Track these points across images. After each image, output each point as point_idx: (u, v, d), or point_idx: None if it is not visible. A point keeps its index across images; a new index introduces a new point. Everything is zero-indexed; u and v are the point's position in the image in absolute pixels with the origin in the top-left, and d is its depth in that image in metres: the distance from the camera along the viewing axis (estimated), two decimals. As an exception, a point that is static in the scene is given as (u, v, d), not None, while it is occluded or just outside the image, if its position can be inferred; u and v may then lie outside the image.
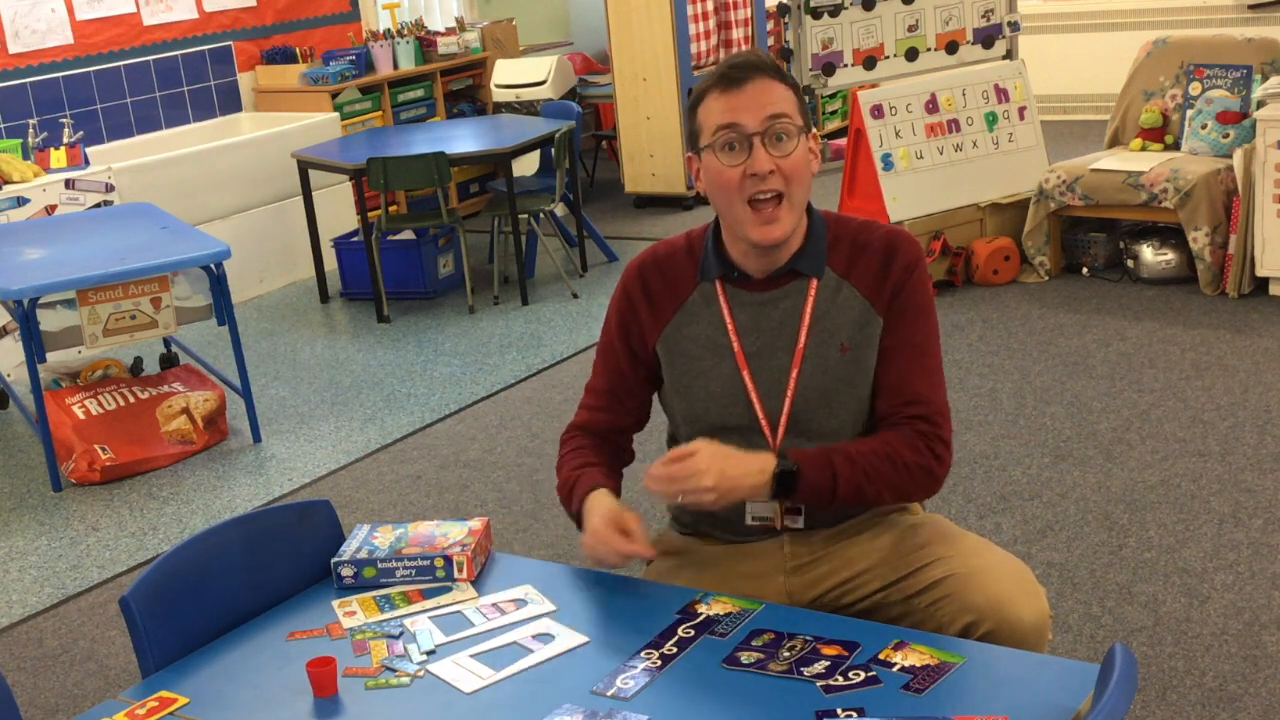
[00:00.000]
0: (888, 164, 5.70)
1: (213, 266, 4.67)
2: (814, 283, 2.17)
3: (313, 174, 6.51)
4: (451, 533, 2.25)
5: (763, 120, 2.07)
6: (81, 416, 4.76)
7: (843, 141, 6.54)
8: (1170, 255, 5.51)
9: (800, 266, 2.17)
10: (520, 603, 2.09)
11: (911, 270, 2.16)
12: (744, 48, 7.92)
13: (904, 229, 2.26)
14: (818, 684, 1.78)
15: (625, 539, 2.09)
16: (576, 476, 2.24)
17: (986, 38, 6.02)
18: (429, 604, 2.12)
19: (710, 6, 7.73)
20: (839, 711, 1.71)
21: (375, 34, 7.96)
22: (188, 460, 4.79)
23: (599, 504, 2.16)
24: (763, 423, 2.16)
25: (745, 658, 1.86)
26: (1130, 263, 5.62)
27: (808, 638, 1.89)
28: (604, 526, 2.11)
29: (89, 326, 4.53)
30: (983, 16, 6.00)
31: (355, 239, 6.57)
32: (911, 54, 5.90)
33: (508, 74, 8.14)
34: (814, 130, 2.17)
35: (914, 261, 2.17)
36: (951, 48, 5.97)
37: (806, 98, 5.78)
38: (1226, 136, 5.47)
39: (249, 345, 5.75)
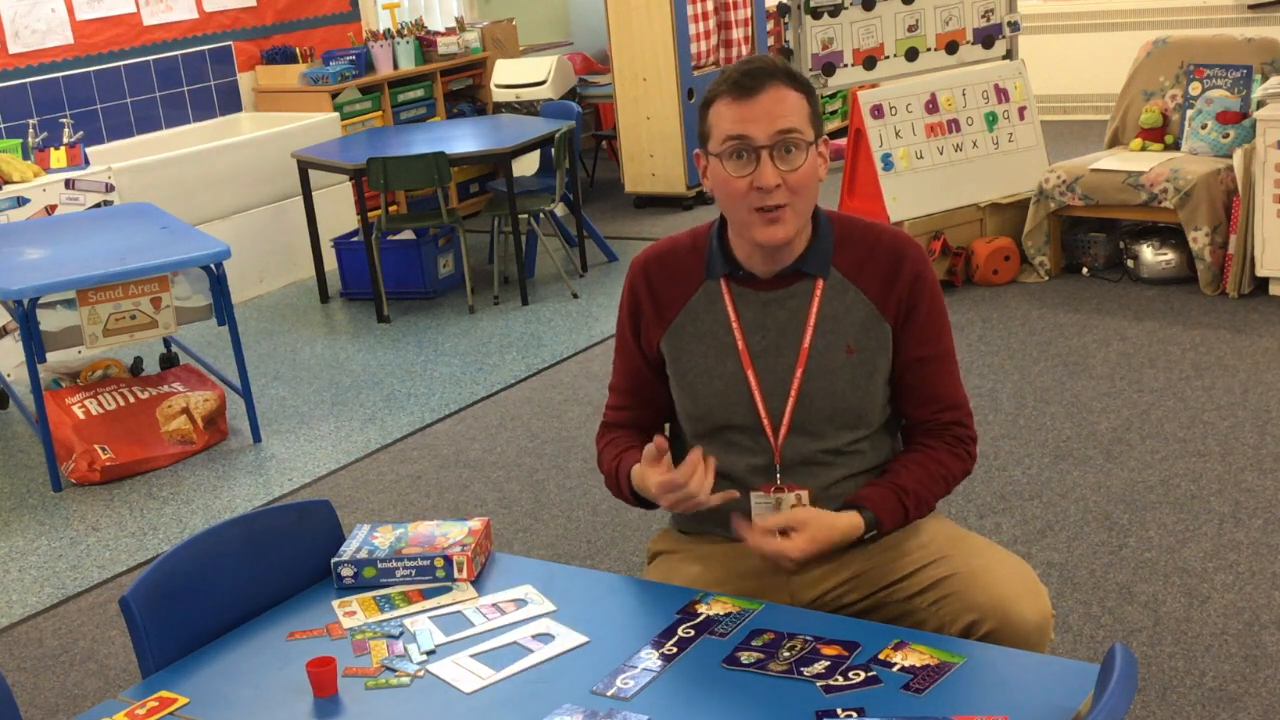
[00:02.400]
0: (888, 164, 5.70)
1: (213, 266, 4.67)
2: (820, 283, 2.17)
3: (313, 174, 6.51)
4: (451, 533, 2.25)
5: (772, 135, 2.06)
6: (81, 416, 4.76)
7: (843, 141, 6.54)
8: (1170, 255, 5.51)
9: (806, 266, 2.17)
10: (520, 603, 2.09)
11: (922, 281, 2.17)
12: (744, 48, 7.92)
13: (907, 233, 2.26)
14: (818, 684, 1.78)
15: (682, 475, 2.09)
16: (617, 464, 2.27)
17: (986, 38, 6.02)
18: (429, 604, 2.12)
19: (710, 6, 7.72)
20: (839, 711, 1.71)
21: (375, 34, 7.97)
22: (188, 460, 4.79)
23: (644, 475, 2.17)
24: (765, 422, 2.16)
25: (745, 658, 1.86)
26: (1130, 263, 5.62)
27: (808, 638, 1.89)
28: (664, 479, 2.09)
29: (89, 326, 4.53)
30: (983, 16, 6.00)
31: (355, 239, 6.57)
32: (911, 54, 5.90)
33: (508, 74, 8.14)
34: (824, 136, 2.16)
35: (922, 270, 2.18)
36: (951, 48, 5.97)
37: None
38: (1226, 136, 5.47)
39: (249, 345, 5.75)
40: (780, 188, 2.07)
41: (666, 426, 2.39)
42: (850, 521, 2.10)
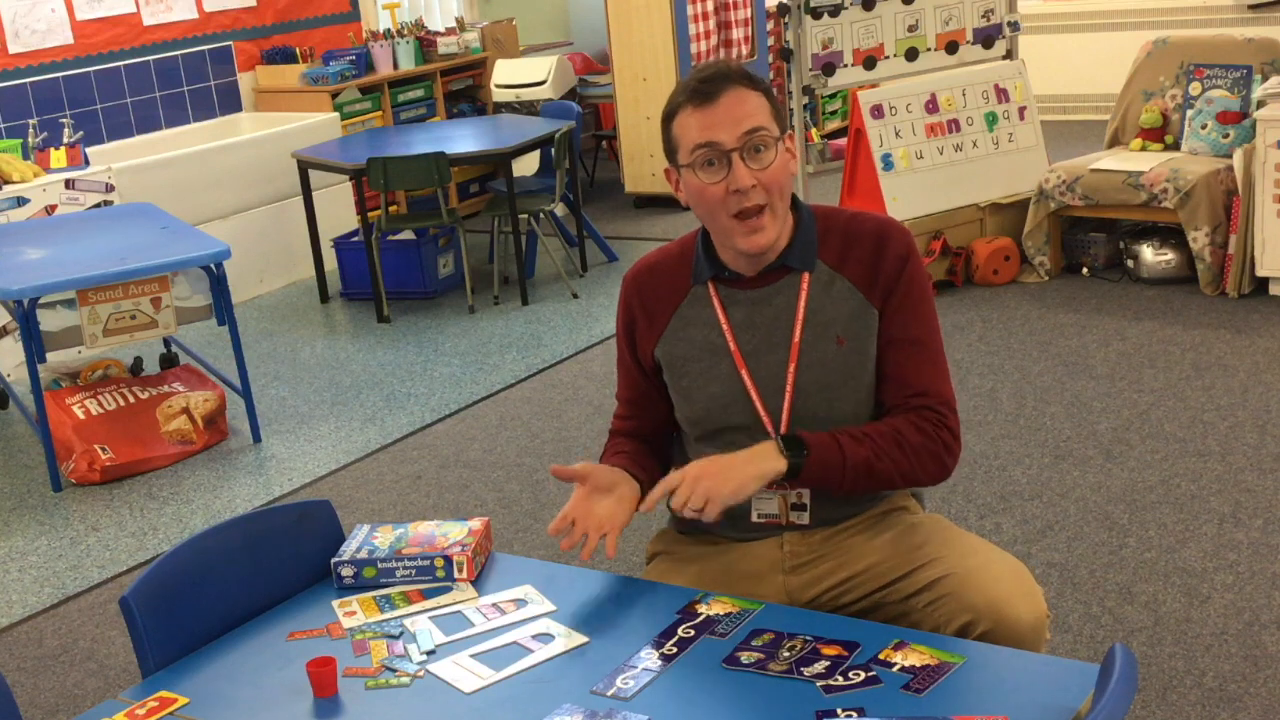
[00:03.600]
0: (888, 164, 5.70)
1: (213, 266, 4.67)
2: (806, 276, 2.17)
3: (313, 174, 6.51)
4: (451, 533, 2.25)
5: (739, 136, 2.07)
6: (81, 416, 4.76)
7: (843, 141, 6.54)
8: (1170, 255, 5.51)
9: (791, 261, 2.17)
10: (520, 603, 2.09)
11: (905, 261, 2.16)
12: (744, 48, 7.93)
13: (894, 219, 2.25)
14: (818, 684, 1.78)
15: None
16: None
17: (986, 38, 6.02)
18: (429, 604, 2.12)
19: (710, 6, 7.72)
20: (839, 711, 1.71)
21: (375, 34, 7.96)
22: (188, 460, 4.78)
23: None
24: (765, 421, 2.16)
25: (745, 658, 1.86)
26: (1130, 263, 5.62)
27: (808, 638, 1.89)
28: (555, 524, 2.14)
29: (89, 326, 4.53)
30: (983, 16, 6.00)
31: (355, 239, 6.57)
32: (911, 54, 5.90)
33: (508, 74, 8.14)
34: (790, 130, 2.17)
35: (906, 252, 2.17)
36: (951, 48, 5.97)
37: (805, 98, 5.82)
38: (1226, 136, 5.47)
39: (249, 345, 5.75)
40: (756, 188, 2.07)
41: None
42: (760, 453, 2.07)
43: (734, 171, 2.07)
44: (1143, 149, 5.73)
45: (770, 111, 2.11)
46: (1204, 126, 5.54)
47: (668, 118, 2.14)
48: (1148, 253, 5.56)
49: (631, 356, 2.30)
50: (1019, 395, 4.55)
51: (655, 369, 2.27)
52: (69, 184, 5.86)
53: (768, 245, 2.12)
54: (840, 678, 1.78)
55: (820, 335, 2.15)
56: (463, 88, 8.31)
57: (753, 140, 2.07)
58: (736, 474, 2.05)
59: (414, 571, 2.18)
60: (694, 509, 2.03)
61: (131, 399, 4.91)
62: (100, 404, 4.84)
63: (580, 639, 1.96)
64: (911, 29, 5.89)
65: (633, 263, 2.35)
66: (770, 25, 8.38)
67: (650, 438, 2.35)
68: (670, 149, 2.16)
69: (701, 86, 2.09)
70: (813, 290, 2.16)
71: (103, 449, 4.65)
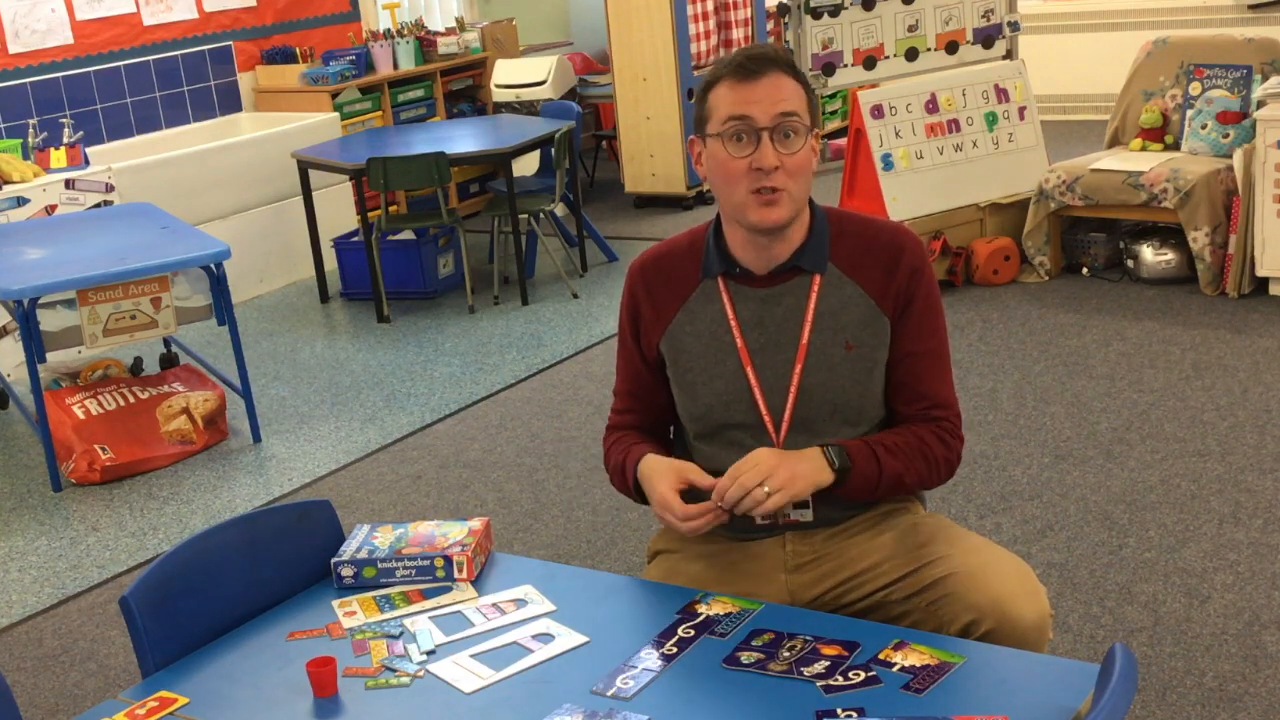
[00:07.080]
0: (888, 164, 5.70)
1: (213, 266, 4.67)
2: (817, 278, 2.17)
3: (313, 174, 6.51)
4: (451, 533, 2.25)
5: (774, 116, 2.07)
6: (81, 416, 4.76)
7: (843, 141, 6.54)
8: (1170, 255, 5.51)
9: (803, 262, 2.17)
10: (520, 603, 2.09)
11: (920, 274, 2.17)
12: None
13: (906, 226, 2.26)
14: (818, 684, 1.78)
15: (684, 504, 2.09)
16: (624, 457, 2.26)
17: (986, 38, 6.02)
18: (429, 604, 2.12)
19: (710, 6, 7.73)
20: (839, 711, 1.71)
21: (375, 34, 7.97)
22: (188, 460, 4.79)
23: (653, 466, 2.16)
24: (766, 420, 2.16)
25: (745, 658, 1.86)
26: (1130, 263, 5.62)
27: (808, 638, 1.89)
28: (667, 492, 2.11)
29: (89, 326, 4.53)
30: (983, 16, 6.00)
31: (355, 239, 6.58)
32: (911, 54, 5.90)
33: (508, 74, 8.14)
34: (818, 131, 2.17)
35: (920, 264, 2.18)
36: (951, 48, 5.97)
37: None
38: (1226, 136, 5.47)
39: (249, 345, 5.75)
40: (779, 170, 2.08)
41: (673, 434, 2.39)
42: (813, 453, 2.09)
43: (761, 149, 2.07)
44: (1143, 149, 5.74)
45: (806, 102, 2.12)
46: (1204, 126, 5.54)
47: (706, 88, 2.15)
48: (1148, 253, 5.56)
49: (635, 347, 2.29)
50: (1019, 395, 4.55)
51: (659, 361, 2.27)
52: (69, 184, 5.86)
53: (780, 221, 2.11)
54: (840, 678, 1.78)
55: (829, 339, 2.15)
56: (463, 88, 8.31)
57: (785, 124, 2.08)
58: (803, 477, 2.06)
59: (414, 571, 2.18)
60: (763, 499, 2.02)
61: (131, 399, 4.91)
62: (100, 404, 4.84)
63: (580, 639, 1.96)
64: (911, 29, 5.88)
65: (634, 260, 2.34)
66: (770, 25, 8.38)
67: (651, 431, 2.35)
68: (701, 118, 2.15)
69: (747, 63, 2.10)
70: (823, 293, 2.16)
71: (103, 449, 4.65)
